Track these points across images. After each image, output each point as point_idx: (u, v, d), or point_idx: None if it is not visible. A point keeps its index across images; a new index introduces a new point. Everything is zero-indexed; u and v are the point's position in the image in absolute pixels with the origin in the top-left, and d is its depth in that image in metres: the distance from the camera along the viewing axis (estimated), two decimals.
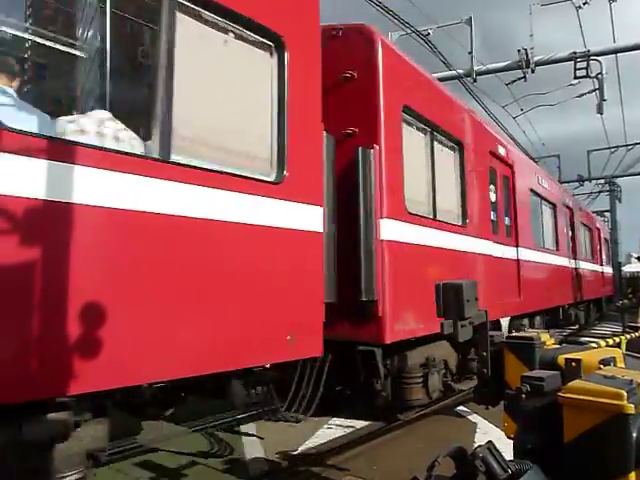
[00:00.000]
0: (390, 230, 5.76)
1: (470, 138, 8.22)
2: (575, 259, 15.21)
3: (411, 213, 6.24)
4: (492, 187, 9.16)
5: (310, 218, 4.61)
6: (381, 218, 5.64)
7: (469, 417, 6.77)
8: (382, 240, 5.62)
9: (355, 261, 5.46)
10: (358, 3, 10.65)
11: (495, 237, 8.90)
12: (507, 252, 9.50)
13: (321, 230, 4.74)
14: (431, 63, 15.01)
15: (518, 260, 9.96)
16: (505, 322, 9.24)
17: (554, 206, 13.45)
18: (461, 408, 7.28)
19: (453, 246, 7.28)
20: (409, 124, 6.65)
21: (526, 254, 10.54)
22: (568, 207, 15.17)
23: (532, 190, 11.70)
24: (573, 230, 15.46)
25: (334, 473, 4.88)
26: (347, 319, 5.67)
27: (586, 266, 17.31)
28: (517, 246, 10.02)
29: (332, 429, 6.54)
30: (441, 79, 15.14)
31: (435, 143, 7.20)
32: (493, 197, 9.18)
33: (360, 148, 5.61)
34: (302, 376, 5.25)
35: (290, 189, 4.37)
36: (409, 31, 13.49)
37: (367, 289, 5.49)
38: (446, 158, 7.62)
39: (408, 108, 6.45)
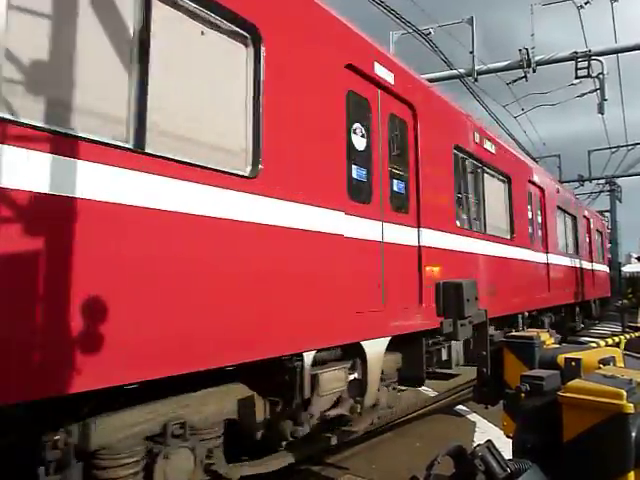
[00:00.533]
0: None
1: (284, 28, 4.65)
2: (547, 252, 12.15)
3: None
4: (358, 127, 5.66)
5: None
6: None
7: (468, 416, 6.77)
8: None
9: None
10: (360, 2, 10.65)
11: (360, 209, 5.44)
12: (394, 235, 6.03)
13: None
14: (432, 62, 15.01)
15: (419, 248, 6.55)
16: (378, 347, 5.45)
17: (508, 180, 9.95)
18: (460, 407, 7.28)
19: (203, 210, 3.65)
20: None
21: (437, 240, 6.95)
22: (536, 185, 11.78)
23: (460, 149, 8.01)
24: (545, 215, 12.26)
25: (333, 472, 4.88)
26: None
27: (567, 262, 14.15)
28: (419, 227, 6.60)
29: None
30: (442, 78, 15.22)
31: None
32: (360, 144, 5.67)
33: None
34: None
35: None
36: (410, 30, 13.49)
37: None
38: (210, 50, 4.05)
39: None
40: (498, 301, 8.38)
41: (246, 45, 4.31)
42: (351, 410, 5.00)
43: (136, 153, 3.27)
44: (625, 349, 6.36)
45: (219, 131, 4.05)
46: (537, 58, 15.22)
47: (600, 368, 2.52)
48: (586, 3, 14.78)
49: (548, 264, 11.99)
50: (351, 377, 5.15)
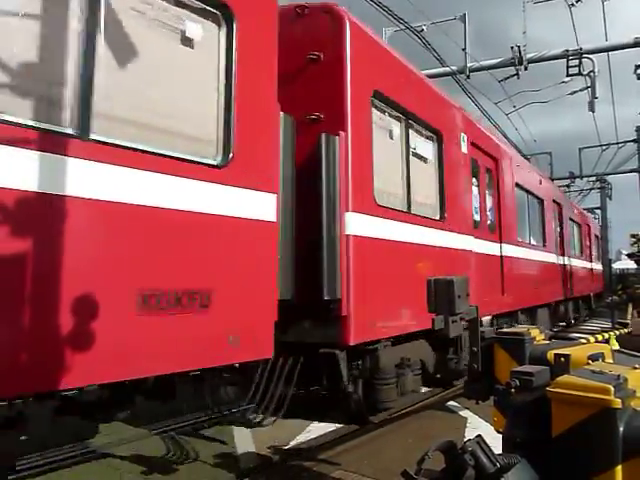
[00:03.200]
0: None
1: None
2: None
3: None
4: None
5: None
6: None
7: (460, 412, 6.81)
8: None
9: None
10: None
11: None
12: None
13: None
14: (425, 59, 15.04)
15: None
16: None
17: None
18: (452, 403, 7.32)
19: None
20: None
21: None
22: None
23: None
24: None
25: (325, 467, 4.90)
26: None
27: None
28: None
29: (323, 423, 6.56)
30: (435, 75, 15.22)
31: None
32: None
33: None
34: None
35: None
36: (403, 27, 13.49)
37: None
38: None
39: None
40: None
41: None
42: None
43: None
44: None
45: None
46: (529, 56, 15.28)
47: (589, 364, 2.55)
48: (577, 1, 14.83)
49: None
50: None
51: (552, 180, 22.18)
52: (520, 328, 3.74)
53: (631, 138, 28.24)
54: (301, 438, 6.01)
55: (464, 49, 15.19)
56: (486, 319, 8.89)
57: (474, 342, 3.43)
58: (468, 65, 15.34)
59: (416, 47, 13.56)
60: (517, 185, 11.15)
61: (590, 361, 2.63)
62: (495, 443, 2.31)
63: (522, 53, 15.13)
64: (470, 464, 2.06)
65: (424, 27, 14.63)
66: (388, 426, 6.37)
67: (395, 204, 6.44)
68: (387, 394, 6.22)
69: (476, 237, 8.54)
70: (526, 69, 15.40)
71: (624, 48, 14.66)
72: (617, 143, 27.79)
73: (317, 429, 6.35)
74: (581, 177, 31.09)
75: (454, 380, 8.41)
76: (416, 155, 7.13)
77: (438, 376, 7.84)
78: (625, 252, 37.22)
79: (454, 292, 3.07)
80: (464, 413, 6.70)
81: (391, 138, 6.58)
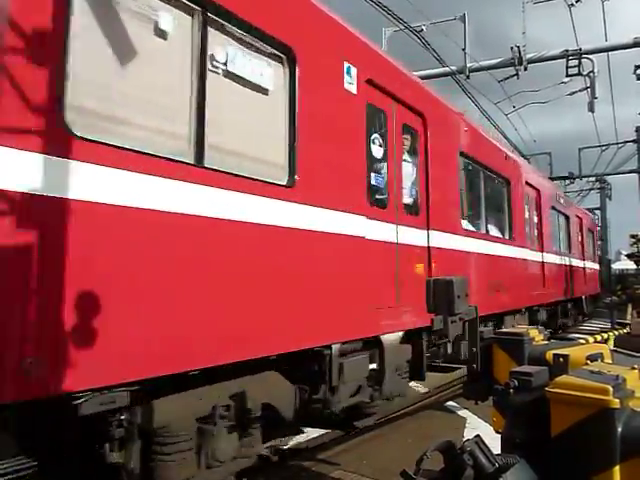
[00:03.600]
0: None
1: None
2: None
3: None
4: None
5: None
6: None
7: (459, 412, 6.81)
8: None
9: None
10: None
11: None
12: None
13: None
14: (425, 59, 15.03)
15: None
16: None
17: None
18: (451, 403, 7.32)
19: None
20: None
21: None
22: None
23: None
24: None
25: (324, 467, 4.90)
26: None
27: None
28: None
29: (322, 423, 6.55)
30: (435, 75, 15.24)
31: None
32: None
33: None
34: None
35: None
36: (402, 27, 13.50)
37: None
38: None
39: None
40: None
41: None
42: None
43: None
44: (615, 345, 6.45)
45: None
46: (529, 56, 15.26)
47: (588, 364, 2.55)
48: (577, 1, 14.82)
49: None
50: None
51: (552, 180, 22.02)
52: (519, 328, 3.75)
53: (631, 138, 28.24)
54: (300, 438, 6.01)
55: (464, 49, 15.18)
56: (392, 337, 5.90)
57: (473, 342, 3.44)
58: (468, 65, 15.33)
59: (416, 47, 13.58)
60: (463, 156, 8.23)
61: (589, 361, 2.64)
62: (494, 443, 2.32)
63: (522, 53, 15.12)
64: (469, 464, 2.06)
65: (424, 27, 14.61)
66: (387, 426, 6.37)
67: (157, 147, 3.49)
68: (174, 468, 3.74)
69: (372, 218, 5.66)
70: (526, 69, 15.39)
71: (624, 48, 14.65)
72: (617, 143, 27.76)
73: (314, 430, 6.34)
74: (581, 177, 31.06)
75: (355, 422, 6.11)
76: (230, 76, 4.19)
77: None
78: (625, 252, 37.28)
79: (453, 292, 3.07)
80: (463, 413, 6.70)
81: (160, 36, 3.64)
